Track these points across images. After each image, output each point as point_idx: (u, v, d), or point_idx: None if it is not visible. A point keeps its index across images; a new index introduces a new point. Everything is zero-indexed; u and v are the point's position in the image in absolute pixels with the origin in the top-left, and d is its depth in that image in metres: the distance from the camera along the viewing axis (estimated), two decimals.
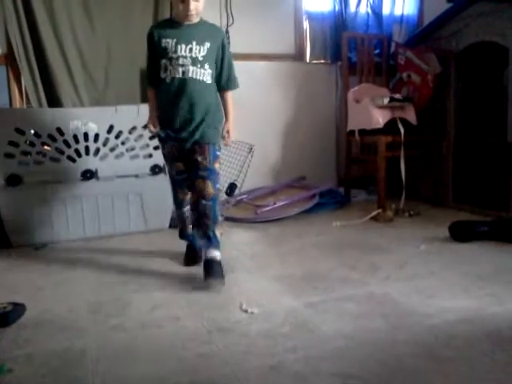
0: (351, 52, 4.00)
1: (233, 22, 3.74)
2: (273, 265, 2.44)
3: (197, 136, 2.24)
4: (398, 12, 4.23)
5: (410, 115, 3.49)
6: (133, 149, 3.05)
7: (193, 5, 2.16)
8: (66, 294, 2.12)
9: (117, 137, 3.00)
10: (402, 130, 3.38)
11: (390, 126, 3.43)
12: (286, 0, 3.95)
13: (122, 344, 1.66)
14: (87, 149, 2.94)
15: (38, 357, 1.59)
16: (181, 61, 2.18)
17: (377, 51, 4.07)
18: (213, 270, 2.17)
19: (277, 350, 1.58)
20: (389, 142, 3.40)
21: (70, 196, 2.91)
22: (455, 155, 3.54)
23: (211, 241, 2.28)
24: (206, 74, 2.22)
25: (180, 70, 2.18)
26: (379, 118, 3.43)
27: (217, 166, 2.28)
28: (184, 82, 2.19)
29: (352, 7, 4.08)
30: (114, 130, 2.99)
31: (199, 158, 2.24)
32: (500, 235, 2.65)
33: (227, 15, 3.74)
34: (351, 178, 3.92)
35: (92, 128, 2.95)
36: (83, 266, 2.50)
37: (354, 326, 1.75)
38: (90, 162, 2.95)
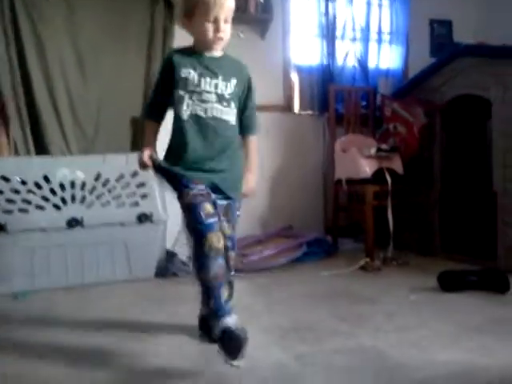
0: (338, 104, 4.07)
1: None
2: (260, 316, 2.38)
3: (222, 187, 1.90)
4: (383, 66, 4.34)
5: (397, 165, 3.52)
6: (119, 197, 3.02)
7: (223, 27, 1.85)
8: (44, 352, 2.02)
9: (104, 185, 2.99)
10: (389, 180, 3.41)
11: (377, 175, 3.46)
12: (275, 53, 4.05)
13: None
14: (73, 197, 2.92)
15: None
16: (205, 96, 1.86)
17: (363, 103, 4.15)
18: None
19: None
20: (376, 191, 3.42)
21: (54, 244, 2.86)
22: (442, 204, 3.56)
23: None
24: (231, 114, 1.91)
25: (203, 106, 1.86)
26: (366, 168, 3.46)
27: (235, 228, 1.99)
28: (207, 121, 1.86)
29: (339, 61, 4.18)
30: (101, 178, 2.98)
31: (221, 220, 1.87)
32: (489, 285, 2.63)
33: None
34: (338, 227, 3.91)
35: (79, 176, 2.94)
36: (64, 316, 2.42)
37: (343, 381, 1.69)
38: (75, 210, 2.91)
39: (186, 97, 1.86)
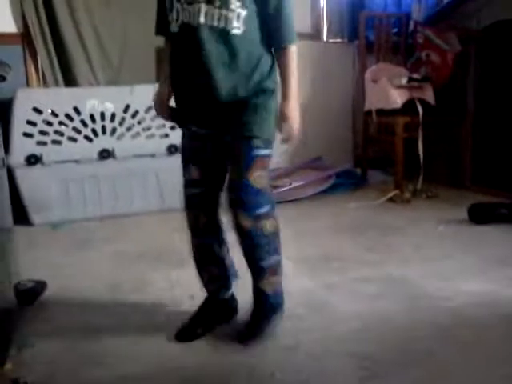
0: (369, 31, 3.93)
1: None
2: (288, 246, 2.38)
3: (223, 125, 1.47)
4: None
5: (429, 95, 3.43)
6: (149, 128, 3.05)
7: None
8: (85, 273, 2.15)
9: (133, 116, 3.01)
10: (421, 111, 3.34)
11: (409, 106, 3.38)
12: None
13: (139, 322, 1.69)
14: (104, 128, 2.95)
15: (59, 333, 1.63)
16: None
17: (395, 30, 3.99)
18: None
19: (292, 331, 1.59)
20: (407, 122, 3.36)
21: (87, 175, 2.93)
22: (474, 136, 3.49)
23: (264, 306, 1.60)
24: (232, 19, 1.36)
25: (189, 11, 1.36)
26: (397, 98, 3.38)
27: (258, 176, 1.45)
28: (195, 31, 1.36)
29: None
30: (130, 109, 3.00)
31: (228, 166, 1.49)
32: None
33: None
34: (368, 159, 3.88)
35: (108, 107, 2.95)
36: (101, 244, 2.52)
37: (370, 307, 1.75)
38: (106, 142, 2.96)
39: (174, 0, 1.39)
